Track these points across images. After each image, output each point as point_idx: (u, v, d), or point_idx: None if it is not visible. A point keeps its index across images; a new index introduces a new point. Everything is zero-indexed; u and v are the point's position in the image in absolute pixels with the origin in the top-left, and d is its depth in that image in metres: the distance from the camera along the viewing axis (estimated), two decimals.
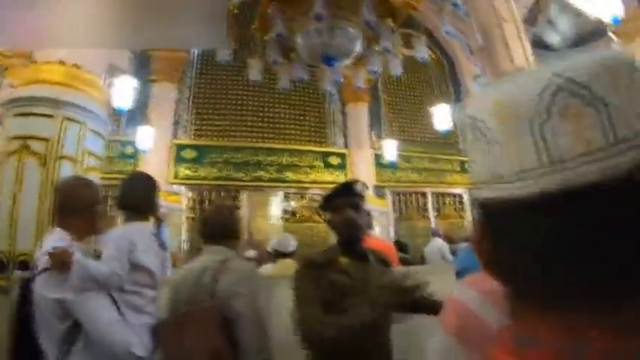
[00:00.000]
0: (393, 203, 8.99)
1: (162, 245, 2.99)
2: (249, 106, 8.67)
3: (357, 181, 1.86)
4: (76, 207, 1.87)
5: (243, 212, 8.05)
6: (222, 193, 8.08)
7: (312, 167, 8.57)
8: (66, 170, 3.56)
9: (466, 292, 0.84)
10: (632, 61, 0.40)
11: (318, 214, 8.38)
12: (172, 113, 8.11)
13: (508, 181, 0.40)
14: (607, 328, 0.36)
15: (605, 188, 0.36)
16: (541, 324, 0.39)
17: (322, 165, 8.65)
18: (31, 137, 3.53)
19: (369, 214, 3.71)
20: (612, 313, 0.36)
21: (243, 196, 8.16)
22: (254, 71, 6.09)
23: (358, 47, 5.23)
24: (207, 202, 7.95)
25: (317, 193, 8.47)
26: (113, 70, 4.81)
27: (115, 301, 1.76)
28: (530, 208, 0.39)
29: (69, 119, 3.71)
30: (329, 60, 4.98)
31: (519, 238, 0.41)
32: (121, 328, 1.69)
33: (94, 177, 3.73)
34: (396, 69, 6.00)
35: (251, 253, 6.05)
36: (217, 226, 2.08)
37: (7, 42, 3.52)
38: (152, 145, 7.42)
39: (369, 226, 3.58)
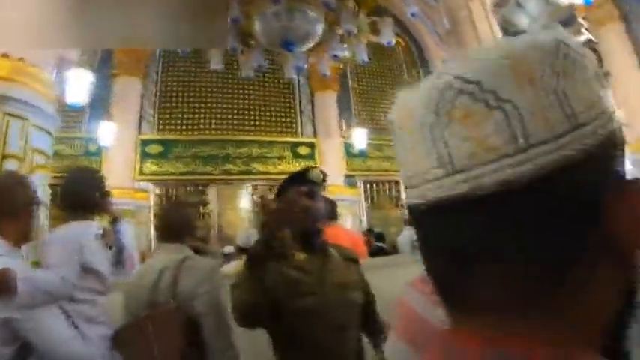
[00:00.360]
0: (365, 192, 8.93)
1: (120, 245, 2.85)
2: (216, 98, 8.53)
3: (312, 167, 1.73)
4: (10, 209, 1.68)
5: (213, 207, 7.92)
6: (190, 188, 7.92)
7: (280, 158, 8.45)
8: (12, 170, 3.29)
9: (411, 293, 0.85)
10: (555, 46, 0.35)
11: None
12: (137, 108, 7.91)
13: (415, 186, 0.39)
14: (530, 337, 0.33)
15: (510, 195, 0.33)
16: (463, 332, 0.37)
17: (291, 155, 8.53)
18: None
19: (332, 203, 3.63)
20: (530, 321, 0.34)
21: (212, 191, 8.01)
22: (215, 60, 5.87)
23: (319, 31, 5.04)
24: (174, 198, 7.78)
25: None
26: (63, 63, 4.54)
27: (66, 314, 1.64)
28: (433, 215, 0.37)
29: (12, 115, 3.46)
30: (288, 45, 4.78)
31: (430, 243, 0.40)
32: (79, 343, 1.59)
33: (41, 176, 3.57)
34: (362, 54, 5.86)
35: (227, 248, 5.91)
36: (174, 224, 1.99)
37: None
38: (116, 141, 7.25)
39: (332, 217, 3.50)
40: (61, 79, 5.04)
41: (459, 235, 0.35)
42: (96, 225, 2.00)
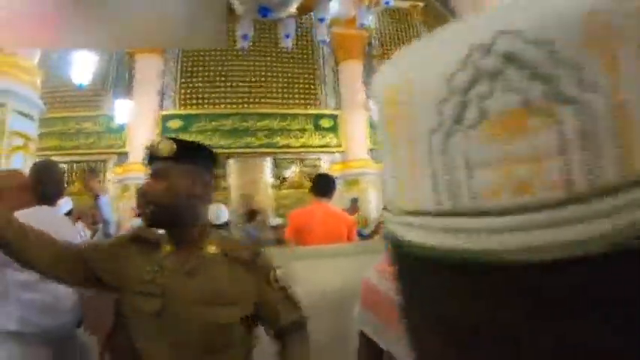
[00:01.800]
0: None
1: (105, 219, 3.17)
2: (238, 71, 8.45)
3: (169, 139, 1.29)
4: None
5: (233, 180, 7.86)
6: None
7: (302, 131, 8.24)
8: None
9: (371, 272, 1.12)
10: None
11: (310, 180, 8.07)
12: (159, 84, 8.04)
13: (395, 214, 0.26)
14: None
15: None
16: None
17: (313, 128, 8.30)
18: None
19: (324, 178, 3.28)
20: None
21: (233, 164, 7.96)
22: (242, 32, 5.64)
23: (297, 2, 4.62)
24: None
25: (308, 157, 8.16)
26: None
27: (5, 279, 1.82)
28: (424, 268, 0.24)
29: None
30: (264, 11, 4.43)
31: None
32: (3, 305, 1.79)
33: (20, 156, 3.83)
34: (364, 18, 5.46)
35: (276, 220, 5.84)
36: None
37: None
38: (139, 117, 7.54)
39: (322, 193, 3.16)
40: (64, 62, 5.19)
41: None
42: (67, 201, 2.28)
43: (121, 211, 7.05)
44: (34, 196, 2.16)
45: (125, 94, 7.59)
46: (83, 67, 6.11)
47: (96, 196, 2.97)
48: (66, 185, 4.31)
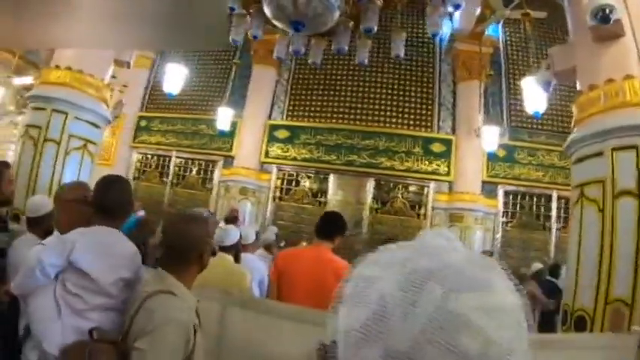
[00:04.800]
0: (505, 204, 7.40)
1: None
2: (348, 86, 8.20)
3: None
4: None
5: (330, 196, 7.67)
6: (311, 175, 7.82)
7: (409, 154, 7.62)
8: (50, 150, 4.46)
9: None
10: None
11: (412, 207, 7.50)
12: (270, 94, 8.25)
13: None
14: None
15: None
16: None
17: (422, 152, 7.61)
18: (30, 126, 4.58)
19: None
20: None
21: (333, 180, 7.75)
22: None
23: (335, 15, 4.01)
24: (294, 182, 7.91)
25: (413, 183, 7.57)
26: (120, 65, 5.36)
27: (56, 301, 1.85)
28: None
29: (56, 111, 4.53)
30: (297, 25, 3.95)
31: None
32: (55, 327, 1.80)
33: (77, 156, 4.62)
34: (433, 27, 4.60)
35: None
36: (172, 243, 1.79)
37: (32, 42, 3.84)
38: (247, 125, 8.00)
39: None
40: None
41: None
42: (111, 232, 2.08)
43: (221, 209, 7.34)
44: (96, 213, 2.06)
45: (239, 101, 7.97)
46: (174, 78, 6.78)
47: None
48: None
